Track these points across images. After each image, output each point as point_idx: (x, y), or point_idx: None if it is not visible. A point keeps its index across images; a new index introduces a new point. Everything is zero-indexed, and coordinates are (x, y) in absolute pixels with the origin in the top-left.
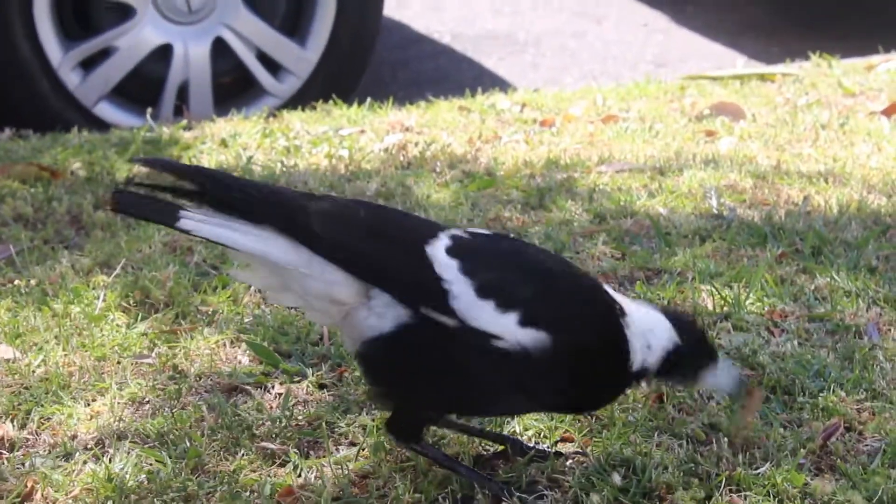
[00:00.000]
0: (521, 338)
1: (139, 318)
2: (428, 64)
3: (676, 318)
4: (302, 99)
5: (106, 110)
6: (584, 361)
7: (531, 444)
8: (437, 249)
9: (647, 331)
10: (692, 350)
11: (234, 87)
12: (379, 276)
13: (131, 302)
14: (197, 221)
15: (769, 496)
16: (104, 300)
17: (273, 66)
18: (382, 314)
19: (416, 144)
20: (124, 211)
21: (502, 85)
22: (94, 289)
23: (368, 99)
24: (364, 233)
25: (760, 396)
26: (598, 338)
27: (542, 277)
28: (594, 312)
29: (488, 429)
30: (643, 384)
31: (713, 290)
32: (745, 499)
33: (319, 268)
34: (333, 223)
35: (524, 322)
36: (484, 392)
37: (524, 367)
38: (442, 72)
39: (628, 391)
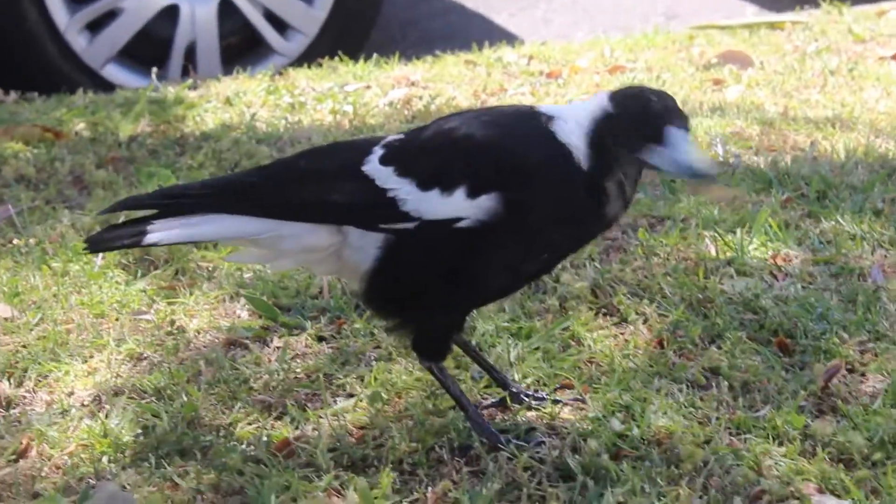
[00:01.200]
0: (474, 209)
1: (139, 275)
2: (438, 21)
3: (617, 92)
4: (310, 57)
5: (114, 72)
6: (538, 190)
7: (530, 392)
8: (372, 164)
9: (580, 120)
10: (625, 117)
11: (241, 46)
12: (331, 214)
13: (131, 259)
14: (160, 233)
15: (769, 438)
16: (103, 258)
17: (280, 25)
18: (360, 246)
19: (421, 98)
20: (96, 250)
21: (512, 41)
22: None
23: (375, 55)
24: (303, 179)
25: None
26: (536, 161)
27: (467, 142)
28: (522, 143)
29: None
30: (607, 184)
31: (716, 235)
32: (745, 441)
33: (282, 228)
34: (274, 182)
35: (471, 193)
36: (474, 275)
37: (496, 234)
38: (452, 29)
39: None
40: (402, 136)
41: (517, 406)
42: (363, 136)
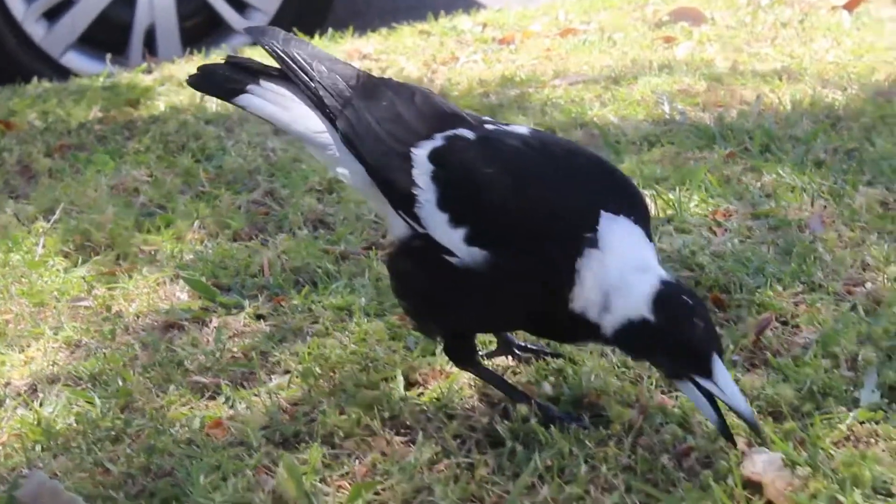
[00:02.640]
0: (466, 255)
1: (79, 261)
2: None
3: (667, 294)
4: None
5: (74, 60)
6: (518, 285)
7: (522, 344)
8: (423, 151)
9: (613, 287)
10: (666, 341)
11: (202, 27)
12: (371, 173)
13: (72, 246)
14: (258, 99)
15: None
16: (44, 246)
17: (240, 5)
18: (393, 213)
19: (371, 71)
20: (195, 86)
21: (479, 8)
22: (34, 236)
23: (330, 30)
24: (370, 122)
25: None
26: (535, 265)
27: (513, 190)
28: (545, 237)
29: None
30: (605, 341)
31: (656, 193)
32: (676, 398)
33: (344, 152)
34: (355, 105)
35: (470, 239)
36: (458, 304)
37: (475, 284)
38: None
39: (591, 341)
40: (473, 135)
41: (506, 355)
42: (454, 111)
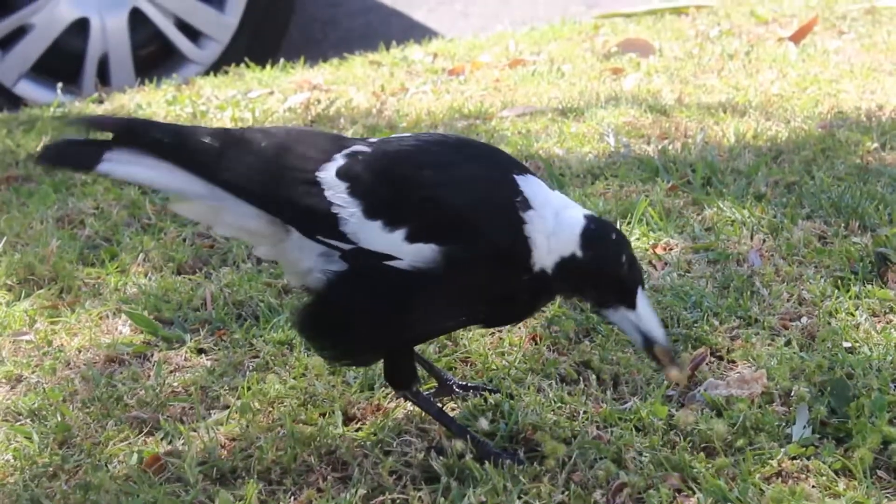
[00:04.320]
0: (410, 254)
1: (22, 295)
2: (358, 20)
3: (591, 230)
4: (226, 63)
5: (27, 89)
6: (478, 267)
7: (459, 382)
8: (329, 172)
9: (552, 233)
10: (589, 270)
11: (155, 56)
12: (273, 206)
13: (15, 280)
14: (115, 164)
15: (634, 430)
16: None
17: (193, 34)
18: (301, 247)
19: (319, 102)
20: (49, 162)
21: (432, 36)
22: None
23: (282, 60)
24: (259, 163)
25: (670, 357)
26: (489, 240)
27: (435, 181)
28: (487, 212)
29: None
30: (557, 295)
31: None
32: (612, 433)
33: (227, 200)
34: (228, 152)
35: (411, 237)
36: (400, 313)
37: (425, 283)
38: (372, 27)
39: (546, 301)
40: (369, 147)
41: (448, 395)
42: (335, 134)
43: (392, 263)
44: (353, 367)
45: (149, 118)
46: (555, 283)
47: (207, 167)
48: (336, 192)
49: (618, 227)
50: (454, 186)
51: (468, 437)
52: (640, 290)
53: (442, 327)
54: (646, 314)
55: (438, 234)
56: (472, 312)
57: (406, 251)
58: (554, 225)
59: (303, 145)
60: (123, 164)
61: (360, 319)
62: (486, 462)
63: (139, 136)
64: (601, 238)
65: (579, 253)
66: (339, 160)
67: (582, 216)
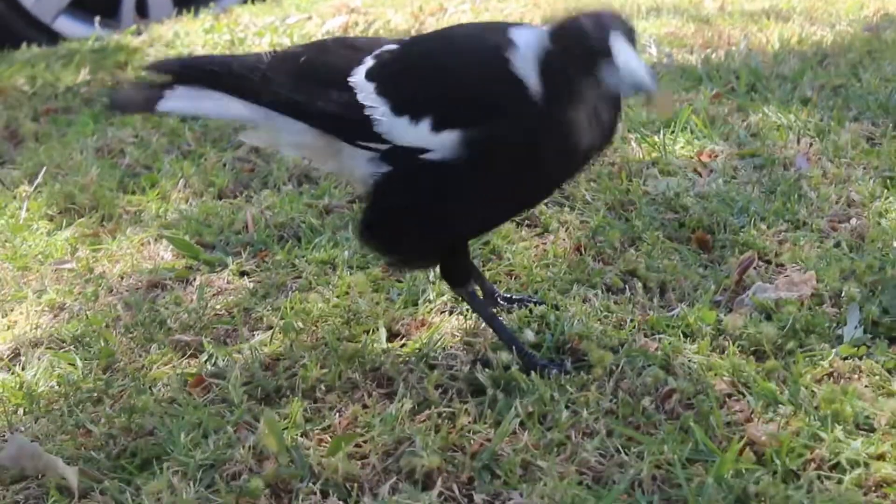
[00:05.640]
0: (439, 144)
1: (64, 224)
2: None
3: (555, 24)
4: None
5: (66, 25)
6: (495, 128)
7: (507, 295)
8: (359, 76)
9: (532, 50)
10: (564, 51)
11: None
12: (315, 119)
13: (56, 209)
14: (173, 101)
15: (682, 336)
16: (27, 210)
17: None
18: (352, 155)
19: (357, 24)
20: (117, 108)
21: None
22: (18, 200)
23: None
24: (297, 78)
25: (669, 96)
26: (490, 99)
27: (434, 71)
28: (478, 78)
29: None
30: (569, 116)
31: (640, 136)
32: (659, 341)
33: (278, 120)
34: (273, 73)
35: (437, 126)
36: (450, 207)
37: (463, 170)
38: None
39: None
40: (396, 45)
41: (493, 308)
42: (367, 38)
43: (427, 157)
44: (417, 269)
45: (191, 51)
46: (553, 99)
47: (255, 90)
48: (366, 93)
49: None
50: (451, 61)
51: (515, 347)
52: (616, 39)
53: (491, 216)
54: (626, 63)
55: (453, 116)
56: (510, 191)
57: (434, 142)
58: (531, 45)
59: (336, 53)
60: (182, 100)
61: (409, 217)
62: (533, 373)
63: (194, 71)
64: (563, 21)
65: (549, 44)
66: (368, 62)
67: (540, 28)
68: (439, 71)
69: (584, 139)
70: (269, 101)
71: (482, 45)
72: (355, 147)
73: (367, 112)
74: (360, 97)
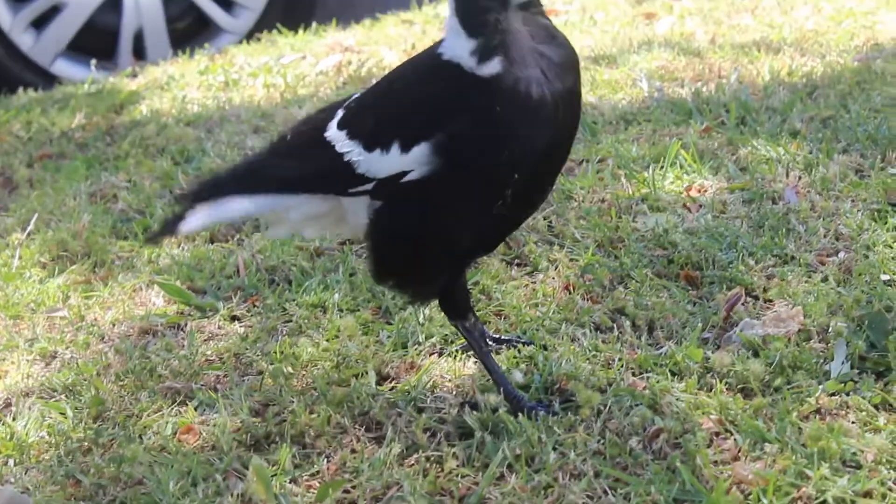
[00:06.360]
0: (413, 161)
1: (56, 271)
2: None
3: None
4: (260, 32)
5: (64, 67)
6: (449, 123)
7: (494, 336)
8: (332, 129)
9: (457, 35)
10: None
11: (191, 29)
12: (310, 184)
13: (48, 257)
14: (193, 220)
15: (669, 375)
16: (20, 258)
17: (227, 3)
18: (354, 210)
19: (350, 63)
20: (150, 243)
21: None
22: (11, 247)
23: (314, 24)
24: (286, 155)
25: None
26: (433, 97)
27: (388, 96)
28: (419, 83)
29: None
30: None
31: (629, 173)
32: (647, 380)
33: (286, 200)
34: (270, 159)
35: (405, 147)
36: (444, 225)
37: (445, 181)
38: None
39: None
40: (360, 92)
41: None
42: (340, 99)
43: (408, 179)
44: (427, 301)
45: (185, 94)
46: (488, 51)
47: (255, 182)
48: (342, 142)
49: None
50: (399, 81)
51: (504, 388)
52: None
53: (481, 222)
54: None
55: (416, 131)
56: (499, 185)
57: (408, 161)
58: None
59: (314, 119)
60: (201, 217)
61: (411, 245)
62: (520, 414)
63: (206, 187)
64: None
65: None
66: (339, 114)
67: None
68: (391, 97)
69: (539, 82)
70: (269, 186)
71: (419, 59)
72: (350, 198)
73: (346, 159)
74: (338, 147)
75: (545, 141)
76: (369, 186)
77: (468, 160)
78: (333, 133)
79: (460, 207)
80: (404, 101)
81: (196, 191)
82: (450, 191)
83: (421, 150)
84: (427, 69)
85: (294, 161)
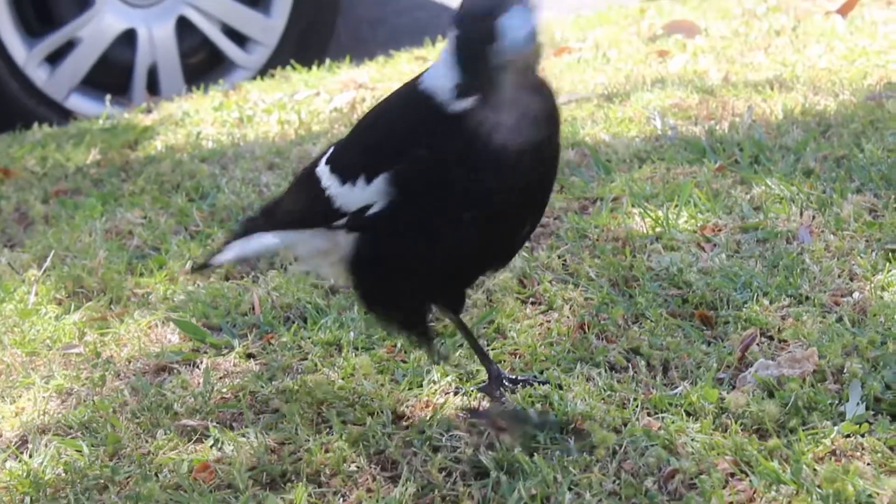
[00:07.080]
0: (375, 193)
1: (72, 308)
2: (405, 18)
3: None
4: (274, 67)
5: (78, 102)
6: (410, 157)
7: (511, 376)
8: (321, 165)
9: (445, 62)
10: (470, 27)
11: (205, 64)
12: (304, 217)
13: (64, 293)
14: (224, 254)
15: (685, 415)
16: (36, 294)
17: (240, 39)
18: (345, 244)
19: (364, 100)
20: (199, 273)
21: None
22: (27, 284)
23: (328, 61)
24: (293, 191)
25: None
26: (398, 129)
27: (359, 130)
28: (388, 117)
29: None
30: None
31: (643, 211)
32: (662, 420)
33: (292, 237)
34: (283, 197)
35: (368, 179)
36: (417, 255)
37: (408, 211)
38: (420, 24)
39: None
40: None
41: (498, 389)
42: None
43: (370, 212)
44: (416, 331)
45: (199, 130)
46: (467, 81)
47: (274, 219)
48: (326, 177)
49: None
50: (371, 117)
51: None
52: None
53: (451, 254)
54: (508, 27)
55: (381, 162)
56: (463, 214)
57: (370, 194)
58: (444, 52)
59: (320, 154)
60: (233, 250)
61: (378, 278)
62: (536, 454)
63: (243, 224)
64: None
65: (458, 31)
66: (330, 151)
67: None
68: (367, 129)
69: (508, 128)
70: (280, 222)
71: (400, 90)
72: (336, 231)
73: (327, 193)
74: (323, 182)
75: (503, 186)
76: (343, 221)
77: (417, 194)
78: (321, 168)
79: (421, 241)
80: (375, 134)
81: (238, 229)
82: (409, 224)
83: (380, 182)
84: (401, 100)
85: (294, 196)
